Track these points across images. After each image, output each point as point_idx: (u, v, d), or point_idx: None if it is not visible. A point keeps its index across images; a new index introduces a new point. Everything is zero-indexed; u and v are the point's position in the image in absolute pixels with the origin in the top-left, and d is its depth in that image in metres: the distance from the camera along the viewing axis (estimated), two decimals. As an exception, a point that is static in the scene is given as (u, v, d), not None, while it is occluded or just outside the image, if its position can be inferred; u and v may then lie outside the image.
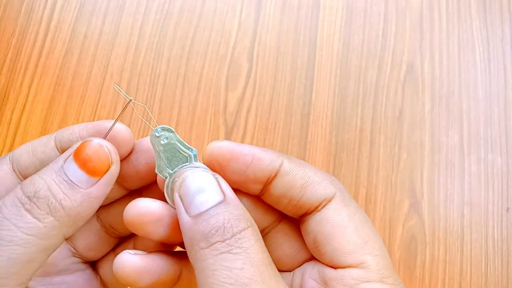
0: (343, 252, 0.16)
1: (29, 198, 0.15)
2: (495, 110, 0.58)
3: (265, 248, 0.16)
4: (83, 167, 0.16)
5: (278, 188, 0.18)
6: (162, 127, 0.18)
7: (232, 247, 0.15)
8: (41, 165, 0.17)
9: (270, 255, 0.19)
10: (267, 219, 0.20)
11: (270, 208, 0.19)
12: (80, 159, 0.16)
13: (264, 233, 0.20)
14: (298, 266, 0.19)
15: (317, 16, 0.62)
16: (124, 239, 0.22)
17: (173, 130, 0.18)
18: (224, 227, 0.15)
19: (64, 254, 0.20)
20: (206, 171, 0.17)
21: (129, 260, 0.17)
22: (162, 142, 0.18)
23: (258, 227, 0.19)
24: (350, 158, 0.55)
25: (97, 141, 0.17)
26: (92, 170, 0.16)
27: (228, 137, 0.56)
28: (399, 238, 0.52)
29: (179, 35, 0.61)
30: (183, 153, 0.18)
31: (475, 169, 0.55)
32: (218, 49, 0.60)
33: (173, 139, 0.18)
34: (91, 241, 0.21)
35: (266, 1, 0.62)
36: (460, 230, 0.52)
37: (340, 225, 0.17)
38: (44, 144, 0.18)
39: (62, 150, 0.18)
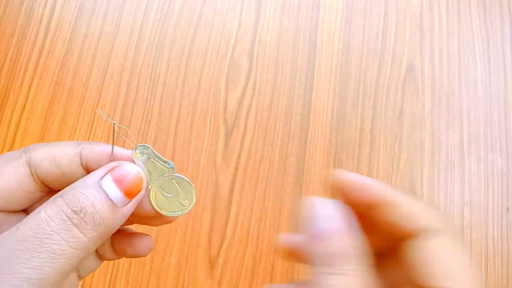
0: (434, 277, 0.17)
1: (75, 212, 0.17)
2: (495, 110, 0.58)
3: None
4: (123, 189, 0.18)
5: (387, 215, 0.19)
6: (141, 145, 0.21)
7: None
8: (64, 177, 0.19)
9: (386, 277, 0.20)
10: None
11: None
12: (122, 182, 0.19)
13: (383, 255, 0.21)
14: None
15: (317, 16, 0.62)
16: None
17: (151, 147, 0.21)
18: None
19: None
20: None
21: None
22: (142, 158, 0.21)
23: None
24: (350, 158, 0.55)
25: (135, 169, 0.19)
26: (130, 192, 0.19)
27: (228, 137, 0.56)
28: (399, 238, 0.52)
29: (179, 35, 0.61)
30: (161, 166, 0.21)
31: (475, 169, 0.55)
32: (218, 49, 0.60)
33: (151, 155, 0.21)
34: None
35: (266, 1, 0.62)
36: (460, 230, 0.53)
37: (441, 256, 0.17)
38: (70, 159, 0.19)
39: (87, 169, 0.20)
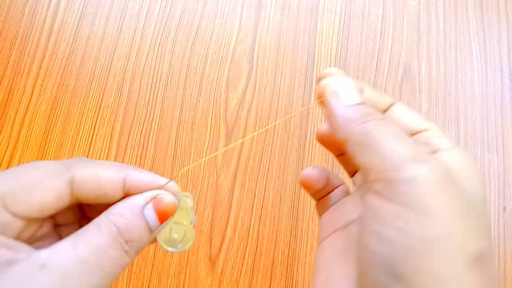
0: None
1: (126, 242, 0.20)
2: (492, 111, 0.58)
3: None
4: (160, 218, 0.21)
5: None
6: (187, 193, 0.24)
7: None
8: (103, 196, 0.21)
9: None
10: None
11: None
12: (161, 212, 0.21)
13: None
14: None
15: (316, 19, 0.62)
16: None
17: (192, 199, 0.24)
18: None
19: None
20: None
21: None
22: (182, 203, 0.23)
23: None
24: (348, 158, 0.56)
25: (173, 201, 0.22)
26: (163, 220, 0.21)
27: (228, 137, 0.56)
28: (396, 236, 0.52)
29: (180, 37, 0.61)
30: (187, 215, 0.23)
31: (471, 169, 0.55)
32: (219, 51, 0.60)
33: (188, 203, 0.24)
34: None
35: (266, 4, 0.63)
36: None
37: None
38: (115, 184, 0.21)
39: (127, 193, 0.21)
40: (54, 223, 0.23)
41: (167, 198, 0.21)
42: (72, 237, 0.19)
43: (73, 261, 0.18)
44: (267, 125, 0.57)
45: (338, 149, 0.26)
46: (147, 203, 0.21)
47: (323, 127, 0.25)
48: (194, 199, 0.24)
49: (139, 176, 0.21)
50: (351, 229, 0.22)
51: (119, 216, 0.20)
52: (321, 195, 0.26)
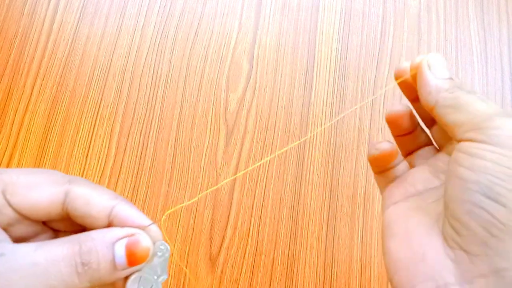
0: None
1: (82, 264, 0.19)
2: (492, 110, 0.58)
3: None
4: (129, 257, 0.20)
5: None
6: (164, 244, 0.23)
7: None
8: (88, 218, 0.21)
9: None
10: None
11: None
12: (131, 253, 0.20)
13: None
14: None
15: (316, 18, 0.62)
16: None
17: (169, 252, 0.23)
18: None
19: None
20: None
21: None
22: (158, 253, 0.22)
23: None
24: (348, 158, 0.56)
25: (148, 245, 0.21)
26: (132, 262, 0.20)
27: (228, 137, 0.56)
28: (397, 236, 0.52)
29: (180, 37, 0.61)
30: (160, 269, 0.22)
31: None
32: (219, 51, 0.60)
33: (163, 256, 0.22)
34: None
35: (266, 3, 0.63)
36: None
37: None
38: (103, 208, 0.21)
39: (110, 222, 0.22)
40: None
41: (143, 243, 0.21)
42: (42, 242, 0.19)
43: (25, 260, 0.18)
44: (268, 125, 0.57)
45: (401, 130, 0.29)
46: (122, 237, 0.20)
47: (394, 108, 0.28)
48: (169, 252, 0.22)
49: (126, 210, 0.21)
50: (425, 195, 0.25)
51: (88, 238, 0.20)
52: (387, 167, 0.29)
